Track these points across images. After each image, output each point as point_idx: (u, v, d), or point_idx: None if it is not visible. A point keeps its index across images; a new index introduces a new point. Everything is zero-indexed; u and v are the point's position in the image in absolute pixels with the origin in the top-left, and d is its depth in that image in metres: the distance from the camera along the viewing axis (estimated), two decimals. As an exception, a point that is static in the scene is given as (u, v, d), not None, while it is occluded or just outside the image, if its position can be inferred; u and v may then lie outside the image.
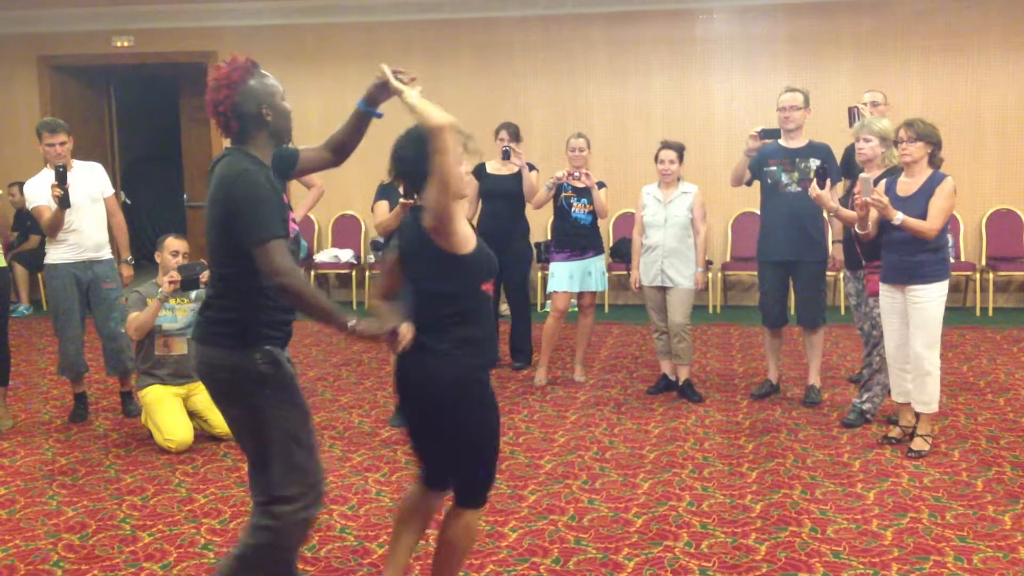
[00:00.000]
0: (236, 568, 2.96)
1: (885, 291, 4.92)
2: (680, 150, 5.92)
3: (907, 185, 4.83)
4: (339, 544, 3.89)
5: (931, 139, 4.78)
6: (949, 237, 4.94)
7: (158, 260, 5.29)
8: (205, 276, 5.05)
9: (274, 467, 2.89)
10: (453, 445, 2.99)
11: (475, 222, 6.71)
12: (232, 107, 2.87)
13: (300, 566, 3.49)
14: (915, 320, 4.78)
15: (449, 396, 2.93)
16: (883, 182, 4.93)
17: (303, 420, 2.95)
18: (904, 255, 4.77)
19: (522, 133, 6.64)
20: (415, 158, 2.90)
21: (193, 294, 5.23)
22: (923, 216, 4.69)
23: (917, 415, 5.05)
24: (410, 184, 3.02)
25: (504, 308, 7.49)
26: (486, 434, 3.01)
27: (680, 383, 6.00)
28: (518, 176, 6.47)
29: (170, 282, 5.01)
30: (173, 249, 5.23)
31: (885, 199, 4.68)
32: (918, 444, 4.83)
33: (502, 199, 6.53)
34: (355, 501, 4.36)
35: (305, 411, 2.97)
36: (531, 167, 6.56)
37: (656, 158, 5.93)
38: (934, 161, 4.82)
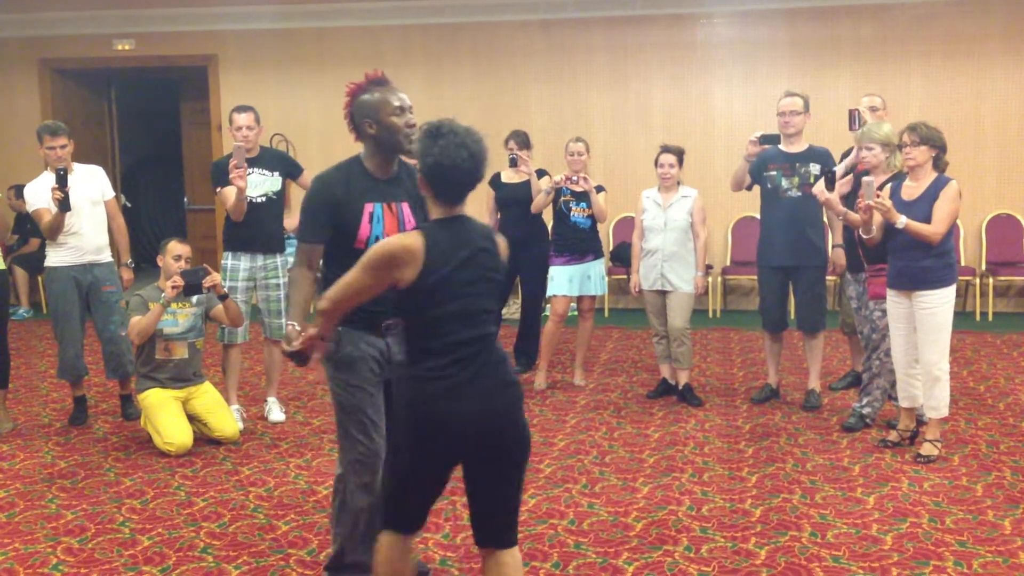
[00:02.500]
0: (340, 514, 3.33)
1: (892, 297, 4.92)
2: (680, 154, 5.92)
3: (911, 189, 4.83)
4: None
5: (935, 143, 4.77)
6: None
7: (160, 264, 5.29)
8: (208, 281, 5.06)
9: (339, 433, 3.30)
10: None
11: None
12: (349, 117, 3.27)
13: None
14: (924, 326, 4.78)
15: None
16: (888, 186, 4.93)
17: (356, 397, 3.23)
18: (910, 260, 4.76)
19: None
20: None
21: (195, 298, 5.23)
22: (928, 220, 4.69)
23: (920, 420, 5.06)
24: (438, 187, 2.88)
25: (506, 312, 7.49)
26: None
27: (680, 387, 6.00)
28: (531, 183, 6.49)
29: (173, 287, 5.01)
30: (176, 253, 5.23)
31: (888, 203, 4.68)
32: (927, 449, 4.83)
33: (517, 207, 6.56)
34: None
35: (360, 390, 3.23)
36: (542, 173, 6.57)
37: (656, 162, 5.93)
38: (939, 165, 4.82)
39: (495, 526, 2.83)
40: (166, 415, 5.12)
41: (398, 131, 3.21)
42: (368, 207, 3.24)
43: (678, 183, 5.95)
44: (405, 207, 3.31)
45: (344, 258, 3.05)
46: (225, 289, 5.26)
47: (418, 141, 2.84)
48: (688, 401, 5.92)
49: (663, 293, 5.93)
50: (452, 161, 2.74)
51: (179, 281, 5.01)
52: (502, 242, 2.95)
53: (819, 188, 5.29)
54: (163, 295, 5.08)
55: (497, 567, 2.82)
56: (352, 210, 3.22)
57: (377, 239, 3.19)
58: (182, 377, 5.28)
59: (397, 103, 3.22)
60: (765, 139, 5.79)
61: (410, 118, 3.24)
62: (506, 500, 2.82)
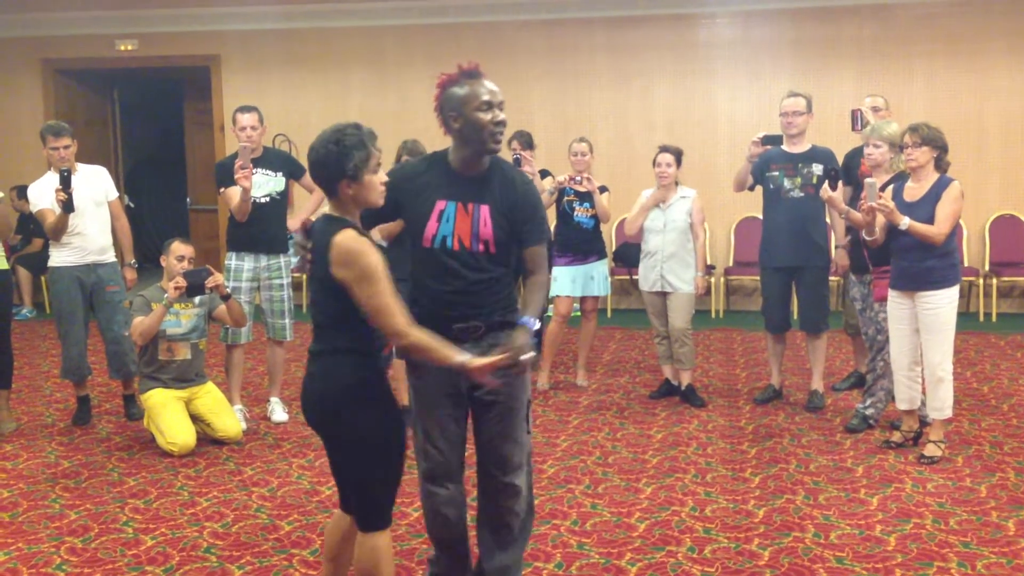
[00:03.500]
0: None
1: (894, 298, 4.91)
2: (678, 154, 5.90)
3: (914, 190, 4.82)
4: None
5: (936, 143, 4.77)
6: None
7: (163, 264, 5.29)
8: (211, 282, 5.05)
9: None
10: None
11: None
12: (438, 108, 3.12)
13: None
14: (928, 327, 4.77)
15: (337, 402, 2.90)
16: (890, 187, 4.92)
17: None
18: (913, 261, 4.76)
19: (526, 138, 6.67)
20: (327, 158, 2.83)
21: (197, 299, 5.23)
22: (930, 221, 4.68)
23: (923, 421, 5.05)
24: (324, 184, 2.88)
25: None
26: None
27: (683, 388, 5.99)
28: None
29: (176, 287, 5.01)
30: (179, 254, 5.23)
31: (891, 204, 4.67)
32: (931, 450, 4.82)
33: None
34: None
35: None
36: (545, 174, 6.57)
37: (654, 162, 5.91)
38: (940, 165, 4.81)
39: (347, 502, 3.03)
40: (169, 415, 5.12)
41: (483, 127, 3.03)
42: (440, 204, 3.08)
43: (676, 183, 5.93)
44: (485, 210, 3.08)
45: (412, 258, 3.04)
46: (228, 290, 5.26)
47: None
48: (691, 402, 5.92)
49: (663, 294, 5.93)
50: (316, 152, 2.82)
51: (182, 282, 5.01)
52: (336, 243, 2.76)
53: (823, 188, 5.29)
54: (166, 296, 5.08)
55: (356, 544, 2.98)
56: (420, 204, 3.07)
57: (444, 239, 3.07)
58: (185, 377, 5.29)
59: (487, 97, 3.05)
60: (768, 140, 5.79)
61: (498, 114, 3.06)
62: (341, 476, 3.00)
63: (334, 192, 2.84)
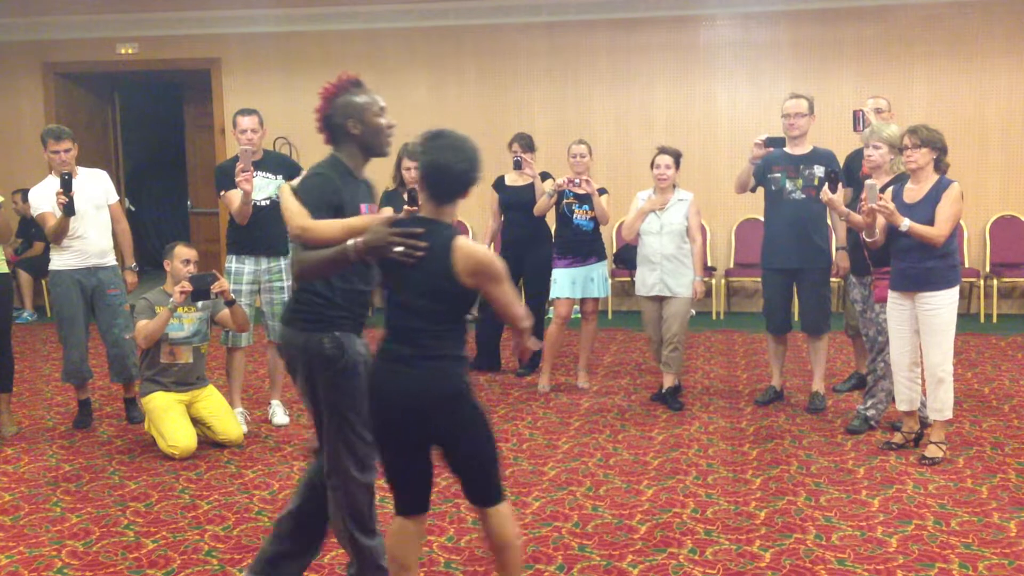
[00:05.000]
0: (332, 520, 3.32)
1: (894, 299, 4.91)
2: (677, 156, 5.89)
3: (914, 192, 4.82)
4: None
5: (936, 145, 4.77)
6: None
7: (167, 268, 5.29)
8: (216, 287, 5.05)
9: (328, 439, 3.22)
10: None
11: (499, 235, 6.77)
12: (324, 118, 3.22)
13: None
14: (928, 328, 4.77)
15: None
16: (890, 189, 4.93)
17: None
18: (914, 262, 4.76)
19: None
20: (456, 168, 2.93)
21: (200, 303, 5.24)
22: (930, 222, 4.68)
23: (924, 422, 5.05)
24: (432, 190, 2.96)
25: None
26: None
27: (663, 390, 5.97)
28: (535, 186, 6.49)
29: (181, 292, 5.01)
30: (184, 258, 5.23)
31: (891, 205, 4.67)
32: (932, 451, 4.82)
33: (521, 210, 6.57)
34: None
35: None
36: (545, 176, 6.58)
37: (652, 164, 5.90)
38: (940, 167, 4.81)
39: (474, 488, 3.12)
40: (170, 419, 5.12)
41: (382, 131, 3.22)
42: (362, 207, 3.26)
43: (674, 186, 5.91)
44: (374, 209, 3.37)
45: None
46: (232, 295, 5.26)
47: (420, 143, 2.99)
48: (669, 405, 5.89)
49: (660, 299, 5.90)
50: (455, 165, 2.92)
51: (187, 286, 5.01)
52: (462, 252, 2.89)
53: (823, 190, 5.29)
54: (171, 299, 5.08)
55: (487, 521, 3.13)
56: (355, 212, 3.21)
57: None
58: (186, 381, 5.29)
59: (381, 104, 3.23)
60: (771, 142, 5.79)
61: (390, 120, 3.24)
62: (468, 467, 3.08)
63: (449, 203, 2.98)
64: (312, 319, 3.17)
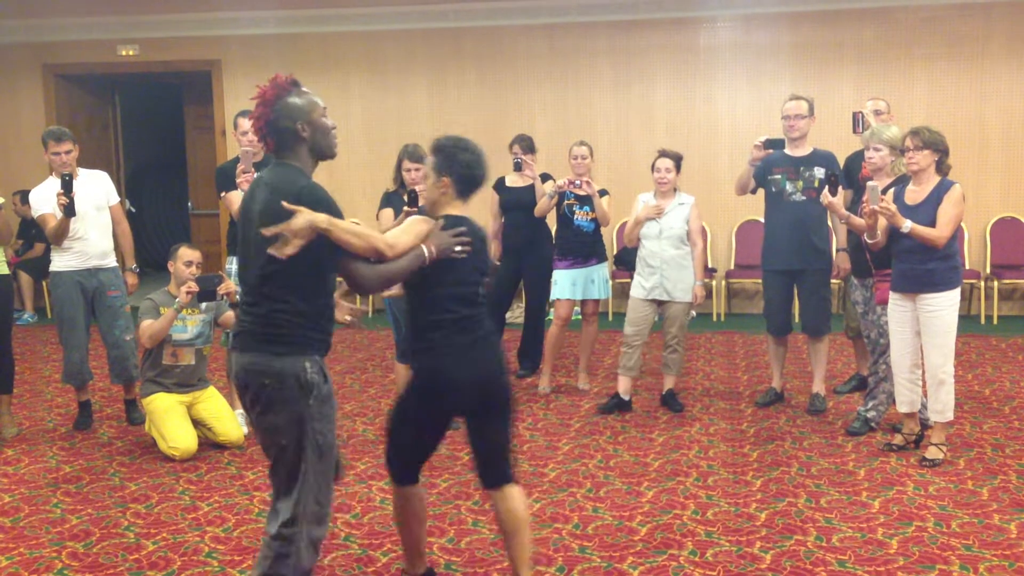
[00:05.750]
0: None
1: (895, 300, 4.91)
2: (678, 159, 5.87)
3: (915, 193, 4.82)
4: (343, 552, 3.88)
5: (937, 147, 4.77)
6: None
7: (171, 269, 5.29)
8: (222, 288, 5.05)
9: (300, 482, 2.93)
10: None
11: (499, 236, 6.77)
12: (267, 123, 2.98)
13: None
14: (929, 329, 4.77)
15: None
16: (892, 190, 4.93)
17: (332, 437, 3.03)
18: (915, 263, 4.76)
19: (527, 143, 6.68)
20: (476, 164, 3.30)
21: (203, 305, 5.24)
22: (932, 224, 4.68)
23: (924, 424, 5.05)
24: (463, 188, 3.30)
25: (510, 316, 7.48)
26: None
27: (663, 392, 5.96)
28: (535, 188, 6.49)
29: (188, 292, 5.02)
30: (187, 259, 5.24)
31: (893, 207, 4.67)
32: (932, 453, 4.82)
33: (521, 211, 6.57)
34: (359, 509, 4.36)
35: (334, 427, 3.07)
36: (546, 178, 6.58)
37: (653, 167, 5.89)
38: (941, 168, 4.81)
39: (499, 464, 3.32)
40: (171, 420, 5.12)
41: (329, 132, 3.04)
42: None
43: (675, 189, 5.90)
44: None
45: (328, 272, 2.97)
46: (237, 296, 5.26)
47: (443, 149, 3.27)
48: (670, 407, 5.89)
49: (658, 303, 5.87)
50: (481, 167, 3.31)
51: (194, 287, 5.01)
52: (491, 243, 3.13)
53: (823, 193, 5.29)
54: (177, 300, 5.08)
55: (505, 500, 3.30)
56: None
57: None
58: (188, 383, 5.29)
59: (323, 104, 3.07)
60: (770, 143, 5.79)
61: (332, 120, 3.08)
62: (498, 440, 3.33)
63: (469, 196, 3.33)
64: (290, 341, 2.89)
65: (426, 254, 3.10)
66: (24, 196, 8.10)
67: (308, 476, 2.93)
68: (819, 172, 5.65)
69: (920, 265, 4.74)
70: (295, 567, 2.94)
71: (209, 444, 5.27)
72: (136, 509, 4.40)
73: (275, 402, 2.90)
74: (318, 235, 2.83)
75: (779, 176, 5.74)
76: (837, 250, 5.97)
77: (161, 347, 5.22)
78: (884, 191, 4.87)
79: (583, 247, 6.29)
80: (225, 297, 5.15)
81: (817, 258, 5.75)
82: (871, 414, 5.36)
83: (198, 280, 5.06)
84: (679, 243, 5.80)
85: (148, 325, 5.13)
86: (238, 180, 5.25)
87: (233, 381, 3.10)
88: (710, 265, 9.06)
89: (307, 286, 2.91)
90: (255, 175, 5.30)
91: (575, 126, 9.20)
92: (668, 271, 5.78)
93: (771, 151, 5.79)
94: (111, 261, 5.77)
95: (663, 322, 5.89)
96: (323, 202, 2.89)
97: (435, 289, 3.20)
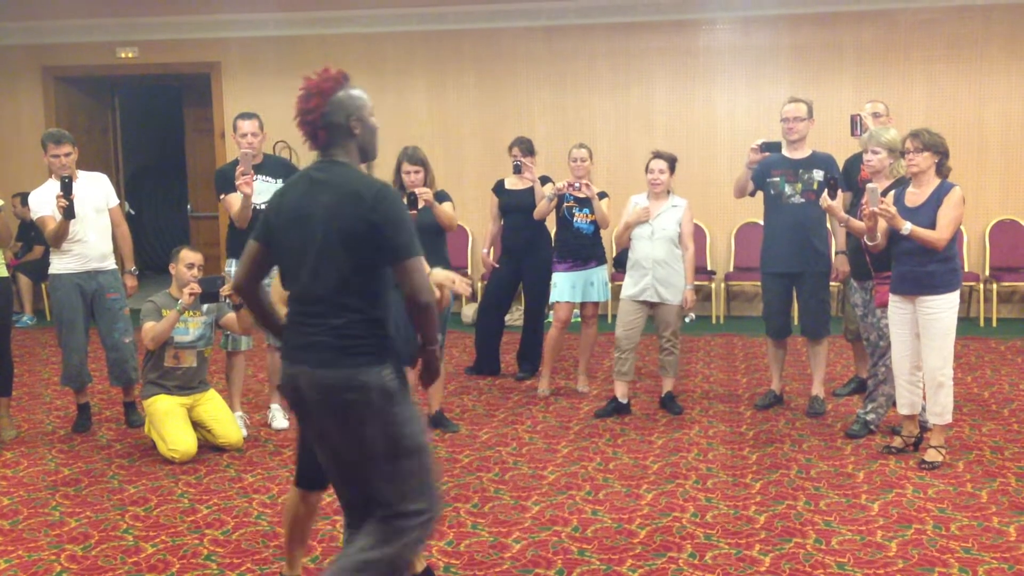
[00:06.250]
0: None
1: (895, 302, 4.91)
2: (672, 161, 5.84)
3: (915, 195, 4.83)
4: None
5: (938, 149, 4.77)
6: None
7: (172, 272, 5.30)
8: (226, 290, 5.05)
9: (406, 480, 2.83)
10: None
11: (499, 239, 6.78)
12: (322, 116, 2.82)
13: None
14: (928, 331, 4.77)
15: None
16: (892, 192, 4.93)
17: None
18: (914, 266, 4.76)
19: (526, 145, 6.69)
20: None
21: (205, 307, 5.24)
22: (932, 226, 4.69)
23: (924, 426, 5.05)
24: None
25: (509, 318, 7.49)
26: None
27: (662, 395, 5.96)
28: (534, 190, 6.50)
29: (191, 294, 5.01)
30: (189, 261, 5.24)
31: (893, 209, 4.67)
32: (931, 455, 4.82)
33: (521, 213, 6.57)
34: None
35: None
36: (545, 180, 6.58)
37: (646, 168, 5.88)
38: (942, 171, 4.82)
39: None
40: (172, 422, 5.12)
41: (376, 133, 2.94)
42: None
43: (668, 191, 5.88)
44: None
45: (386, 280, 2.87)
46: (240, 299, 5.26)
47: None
48: (669, 409, 5.88)
49: (649, 304, 5.84)
50: None
51: (197, 288, 5.01)
52: None
53: (822, 196, 5.29)
54: (180, 301, 5.09)
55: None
56: None
57: None
58: (189, 385, 5.29)
59: (370, 103, 2.92)
60: (766, 146, 5.79)
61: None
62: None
63: None
64: (369, 351, 2.78)
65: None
66: (23, 198, 8.10)
67: (410, 478, 2.82)
68: (818, 175, 5.65)
69: (920, 267, 4.75)
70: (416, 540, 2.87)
71: (208, 447, 5.27)
72: (135, 512, 4.40)
73: (362, 415, 2.77)
74: (389, 244, 2.73)
75: (778, 179, 5.74)
76: (836, 253, 5.97)
77: (163, 349, 5.22)
78: (884, 193, 4.88)
79: (582, 249, 6.29)
80: (228, 299, 5.15)
81: (816, 261, 5.75)
82: (870, 416, 5.36)
83: (201, 282, 5.06)
84: (671, 245, 5.77)
85: (151, 327, 5.13)
86: (237, 182, 5.26)
87: (287, 394, 2.89)
88: (709, 268, 9.08)
89: (380, 293, 2.81)
90: (254, 177, 5.34)
91: (574, 128, 9.20)
92: (659, 272, 5.76)
93: (767, 154, 5.79)
94: (110, 263, 5.77)
95: (656, 325, 5.88)
96: (397, 204, 2.80)
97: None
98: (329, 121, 2.82)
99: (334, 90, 2.83)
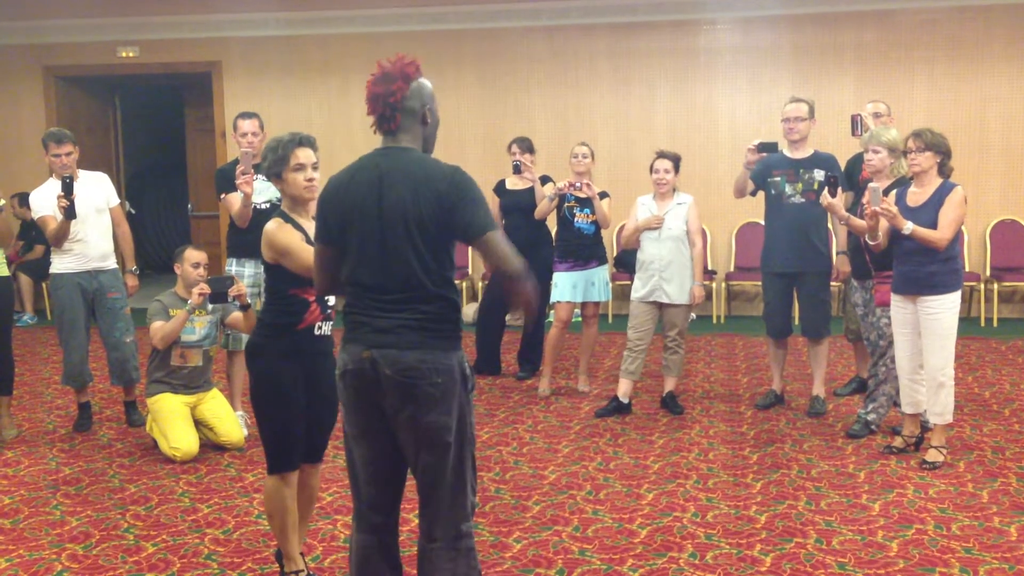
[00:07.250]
0: None
1: (896, 302, 4.91)
2: (676, 160, 5.86)
3: (917, 195, 4.83)
4: (343, 555, 3.87)
5: (940, 149, 4.77)
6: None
7: (177, 271, 5.30)
8: (233, 291, 5.04)
9: (469, 476, 2.83)
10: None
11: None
12: (403, 99, 2.77)
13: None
14: (929, 331, 4.77)
15: None
16: (893, 192, 4.93)
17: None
18: (916, 266, 4.76)
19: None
20: None
21: (210, 307, 5.24)
22: (933, 226, 4.69)
23: (924, 426, 5.05)
24: None
25: (510, 318, 7.48)
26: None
27: (664, 394, 5.96)
28: (535, 190, 6.49)
29: (200, 294, 5.01)
30: (194, 261, 5.24)
31: (894, 209, 4.68)
32: (932, 455, 4.82)
33: (521, 213, 6.58)
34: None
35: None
36: (546, 180, 6.58)
37: (651, 168, 5.89)
38: (943, 171, 4.82)
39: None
40: (175, 421, 5.12)
41: (438, 126, 2.92)
42: None
43: (673, 190, 5.89)
44: None
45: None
46: (248, 299, 5.24)
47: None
48: (670, 409, 5.88)
49: (658, 305, 5.86)
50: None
51: (206, 288, 5.00)
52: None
53: (823, 195, 5.29)
54: (189, 302, 5.08)
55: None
56: None
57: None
58: (194, 384, 5.30)
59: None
60: (763, 147, 5.79)
61: None
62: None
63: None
64: (452, 335, 2.78)
65: None
66: (24, 198, 8.10)
67: (469, 470, 2.83)
68: (818, 174, 5.65)
69: (921, 267, 4.74)
70: (475, 559, 2.86)
71: (209, 445, 5.27)
72: (136, 511, 4.40)
73: (444, 399, 2.74)
74: (468, 222, 2.70)
75: (779, 178, 5.74)
76: (837, 252, 5.97)
77: (169, 348, 5.22)
78: (885, 193, 4.88)
79: (583, 249, 6.29)
80: (236, 299, 5.15)
81: (817, 260, 5.75)
82: (871, 416, 5.36)
83: (210, 282, 5.05)
84: (679, 244, 5.78)
85: (160, 327, 5.13)
86: (237, 182, 5.25)
87: (352, 380, 2.80)
88: (710, 267, 9.07)
89: (452, 278, 2.80)
90: (254, 176, 5.33)
91: (575, 128, 9.20)
92: (668, 273, 5.77)
93: (764, 155, 5.79)
94: (111, 263, 5.77)
95: (663, 324, 5.88)
96: (472, 183, 2.76)
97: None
98: (406, 106, 2.79)
99: (415, 76, 2.81)
